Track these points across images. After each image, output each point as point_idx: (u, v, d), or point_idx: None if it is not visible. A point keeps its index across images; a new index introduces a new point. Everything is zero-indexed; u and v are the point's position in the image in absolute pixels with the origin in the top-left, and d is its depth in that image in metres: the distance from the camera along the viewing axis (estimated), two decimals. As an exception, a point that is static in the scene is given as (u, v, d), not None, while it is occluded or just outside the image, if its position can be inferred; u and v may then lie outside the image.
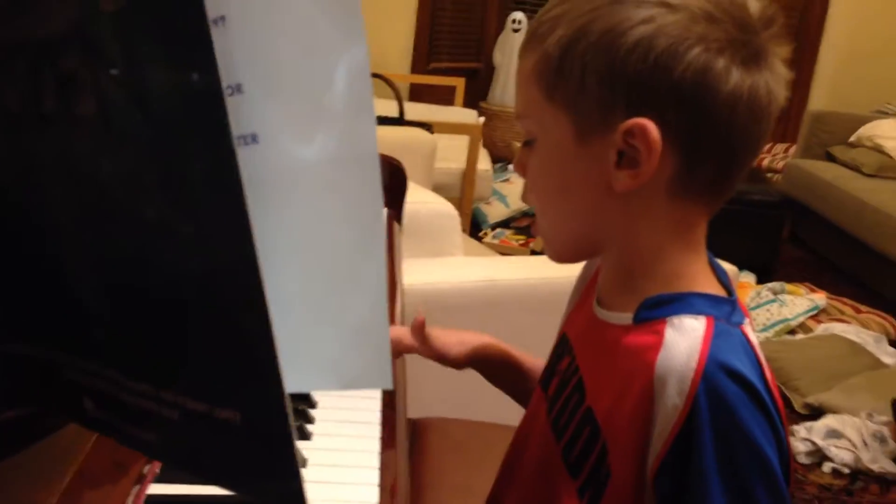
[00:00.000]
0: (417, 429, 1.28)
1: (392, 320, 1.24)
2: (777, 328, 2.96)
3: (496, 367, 0.96)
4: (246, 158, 0.38)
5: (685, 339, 0.61)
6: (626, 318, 0.68)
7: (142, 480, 0.61)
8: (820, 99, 4.81)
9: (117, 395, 0.41)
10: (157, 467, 0.63)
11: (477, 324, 1.58)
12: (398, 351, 0.95)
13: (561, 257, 0.74)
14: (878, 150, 3.98)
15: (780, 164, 4.52)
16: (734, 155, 0.65)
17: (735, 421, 0.59)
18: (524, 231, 3.81)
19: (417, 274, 1.48)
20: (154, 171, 0.35)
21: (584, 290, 0.81)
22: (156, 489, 0.62)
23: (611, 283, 0.72)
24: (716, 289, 0.68)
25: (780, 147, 4.87)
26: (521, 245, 3.65)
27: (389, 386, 0.39)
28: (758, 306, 3.07)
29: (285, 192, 0.38)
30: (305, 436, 0.71)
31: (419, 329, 0.91)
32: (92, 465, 0.57)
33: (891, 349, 2.92)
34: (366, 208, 0.38)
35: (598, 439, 0.67)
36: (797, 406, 2.54)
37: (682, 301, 0.65)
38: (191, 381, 0.37)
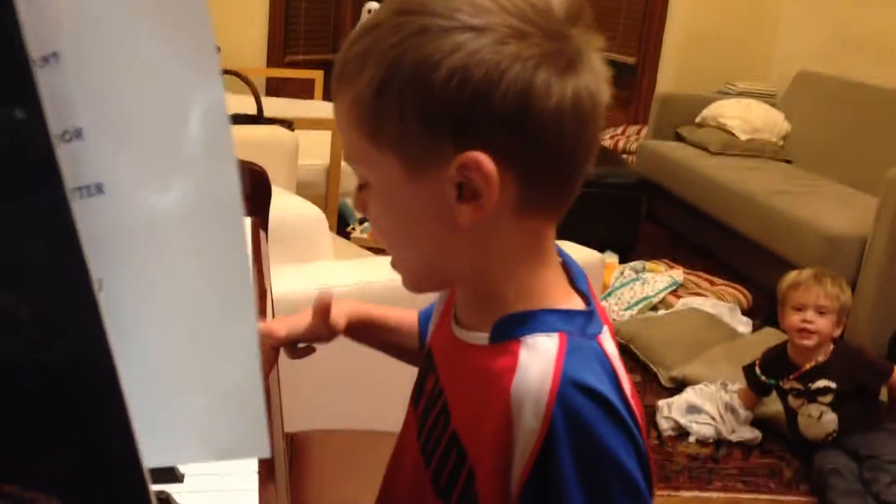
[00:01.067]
0: (296, 443, 1.24)
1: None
2: (640, 306, 3.08)
3: (365, 332, 0.98)
4: (90, 211, 0.34)
5: (538, 359, 0.61)
6: (482, 337, 0.66)
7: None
8: (667, 81, 5.02)
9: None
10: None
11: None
12: (272, 343, 0.92)
13: (418, 289, 0.72)
14: (722, 128, 4.19)
15: (634, 146, 4.69)
16: (571, 163, 0.64)
17: (592, 438, 0.59)
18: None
19: (286, 282, 1.44)
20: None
21: (444, 307, 0.79)
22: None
23: (466, 303, 0.71)
24: (570, 300, 0.67)
25: (633, 129, 5.05)
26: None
27: (267, 454, 0.36)
28: (622, 285, 3.18)
29: (140, 246, 0.34)
30: (177, 478, 0.67)
31: (325, 307, 0.91)
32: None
33: (745, 318, 3.09)
34: (231, 261, 0.35)
35: (465, 463, 0.66)
36: (664, 381, 2.64)
37: (535, 319, 0.64)
38: (29, 478, 0.32)
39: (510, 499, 0.62)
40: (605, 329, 0.67)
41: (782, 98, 4.41)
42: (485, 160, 0.59)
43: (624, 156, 4.82)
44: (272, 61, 4.61)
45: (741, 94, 4.49)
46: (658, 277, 3.21)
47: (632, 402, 0.63)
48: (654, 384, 2.66)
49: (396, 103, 0.60)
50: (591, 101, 0.62)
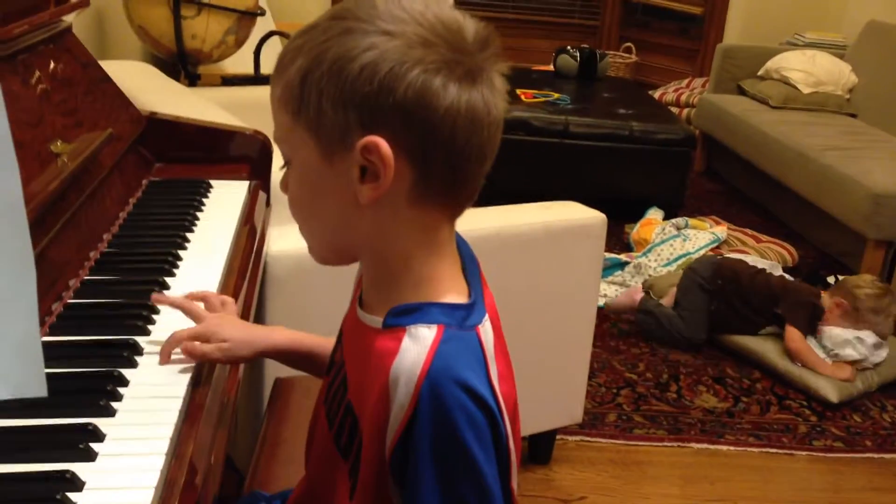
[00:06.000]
0: (282, 388, 1.38)
1: (252, 291, 1.32)
2: (679, 262, 3.10)
3: (289, 362, 1.04)
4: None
5: (417, 346, 0.69)
6: (378, 321, 0.75)
7: None
8: (735, 33, 4.90)
9: None
10: None
11: (346, 285, 1.67)
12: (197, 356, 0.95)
13: (324, 261, 0.81)
14: (785, 81, 4.10)
15: (696, 99, 4.63)
16: (463, 162, 0.71)
17: (450, 424, 0.67)
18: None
19: (288, 241, 1.56)
20: None
21: (354, 291, 0.88)
22: None
23: (369, 287, 0.80)
24: (457, 291, 0.76)
25: (698, 81, 4.98)
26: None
27: (45, 393, 0.47)
28: (662, 242, 3.20)
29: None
30: (110, 412, 0.80)
31: (191, 353, 0.93)
32: None
33: (786, 276, 3.08)
34: (15, 252, 0.46)
35: (357, 430, 0.76)
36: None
37: (421, 311, 0.72)
38: None
39: (384, 469, 0.72)
40: (486, 318, 0.75)
41: (851, 49, 4.27)
42: (383, 144, 0.68)
43: (686, 109, 4.77)
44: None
45: (809, 46, 4.36)
46: (700, 234, 3.22)
47: (497, 388, 0.71)
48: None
49: (316, 89, 0.70)
50: (485, 109, 0.71)
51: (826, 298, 2.62)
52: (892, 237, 2.99)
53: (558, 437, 2.09)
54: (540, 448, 2.07)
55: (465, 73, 0.69)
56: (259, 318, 1.55)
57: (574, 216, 1.90)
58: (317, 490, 0.88)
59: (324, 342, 1.02)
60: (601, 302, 2.90)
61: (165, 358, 0.93)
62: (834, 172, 3.22)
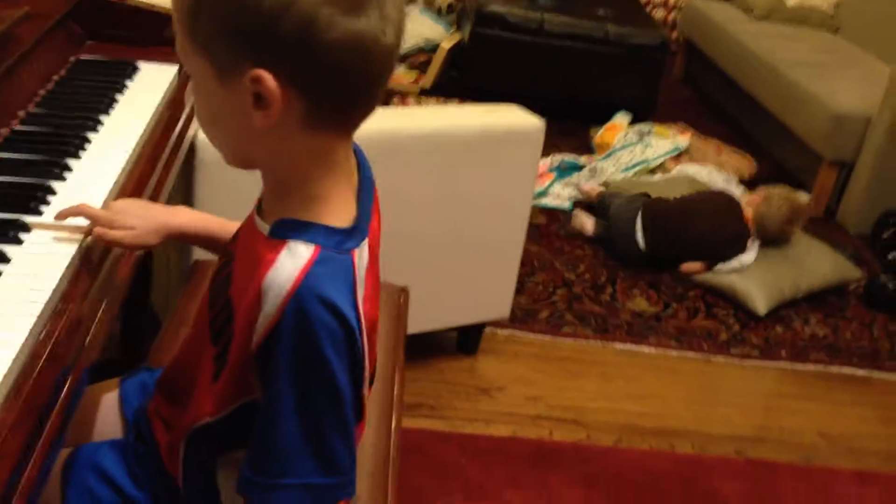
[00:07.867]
0: (198, 270, 1.45)
1: (165, 178, 1.35)
2: (637, 169, 3.15)
3: (196, 242, 1.10)
4: None
5: (291, 262, 0.75)
6: (266, 229, 0.80)
7: None
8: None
9: None
10: None
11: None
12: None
13: (233, 166, 0.84)
14: (772, -9, 4.04)
15: (684, 2, 4.56)
16: (353, 91, 0.74)
17: (313, 342, 0.73)
18: (419, 67, 3.85)
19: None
20: None
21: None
22: None
23: (266, 194, 0.84)
24: (346, 213, 0.80)
25: (689, -16, 4.88)
26: (413, 83, 3.71)
27: None
28: (622, 147, 3.24)
29: None
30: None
31: (102, 237, 1.00)
32: None
33: (741, 188, 3.13)
34: None
35: (232, 324, 0.82)
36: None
37: (303, 228, 0.76)
38: None
39: (249, 363, 0.79)
40: (364, 243, 0.80)
41: (843, -38, 4.18)
42: (268, 77, 0.71)
43: (673, 12, 4.70)
44: None
45: (802, -46, 4.27)
46: (662, 142, 3.25)
47: (361, 308, 0.77)
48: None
49: (206, 16, 0.72)
50: (374, 39, 0.71)
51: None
52: (847, 158, 3.03)
53: (488, 329, 2.19)
54: (468, 339, 2.17)
55: (353, 5, 0.70)
56: (187, 203, 1.60)
57: (513, 121, 1.94)
58: (184, 365, 0.96)
59: (228, 225, 1.07)
60: (568, 205, 2.95)
61: (62, 217, 0.99)
62: (799, 89, 3.23)
